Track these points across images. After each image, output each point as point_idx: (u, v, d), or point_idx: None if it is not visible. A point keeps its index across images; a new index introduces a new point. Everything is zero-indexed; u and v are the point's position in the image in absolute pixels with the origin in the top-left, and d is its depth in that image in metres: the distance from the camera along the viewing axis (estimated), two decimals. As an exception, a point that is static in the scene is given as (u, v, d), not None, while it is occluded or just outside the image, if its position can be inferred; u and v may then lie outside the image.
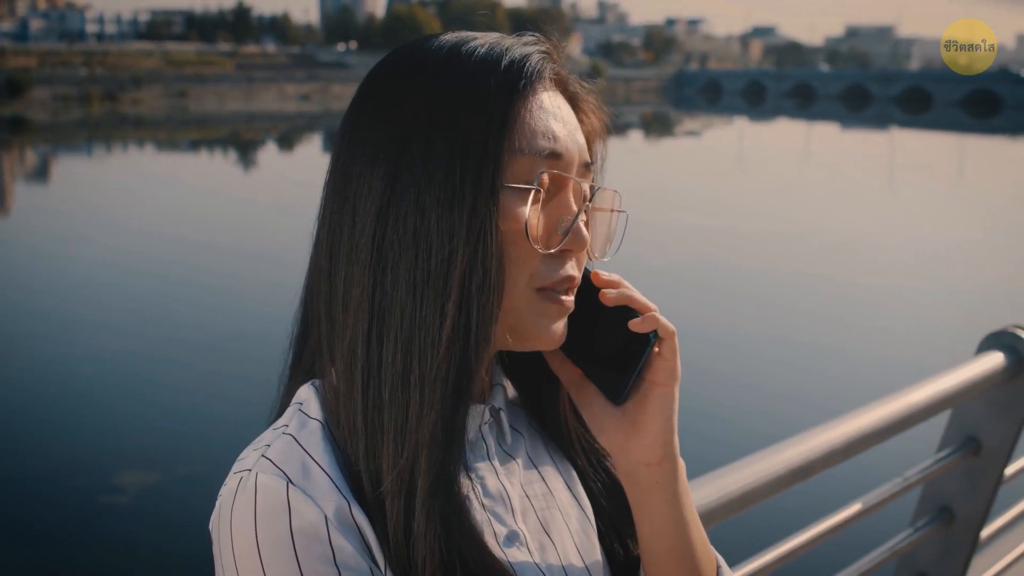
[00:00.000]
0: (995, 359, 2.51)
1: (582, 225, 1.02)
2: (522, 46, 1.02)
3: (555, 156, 1.00)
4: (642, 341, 1.06)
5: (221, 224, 24.50)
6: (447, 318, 0.94)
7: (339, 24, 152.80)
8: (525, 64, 1.00)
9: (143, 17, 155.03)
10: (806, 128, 77.73)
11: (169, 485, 8.81)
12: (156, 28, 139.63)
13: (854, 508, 2.19)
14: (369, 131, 0.99)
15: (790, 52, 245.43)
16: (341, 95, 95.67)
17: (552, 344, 1.04)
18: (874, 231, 23.84)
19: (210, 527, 0.96)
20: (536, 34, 1.05)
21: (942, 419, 2.65)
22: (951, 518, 2.63)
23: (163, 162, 45.80)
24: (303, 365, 1.07)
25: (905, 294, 16.53)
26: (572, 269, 1.03)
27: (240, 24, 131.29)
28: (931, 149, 58.02)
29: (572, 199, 1.02)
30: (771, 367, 11.12)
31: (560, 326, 1.03)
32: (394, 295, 0.95)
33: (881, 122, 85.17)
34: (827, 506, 2.20)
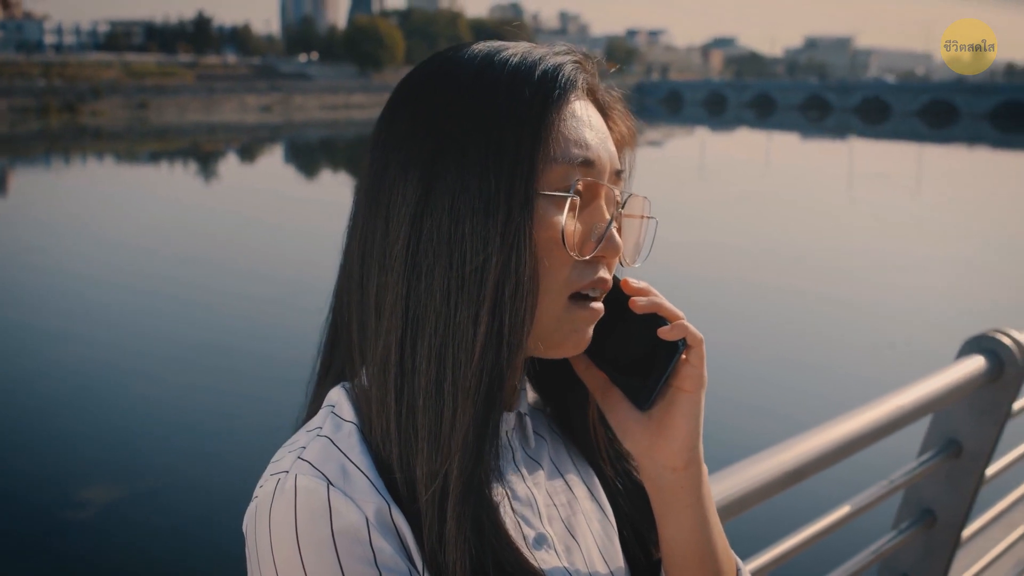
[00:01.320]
0: (976, 363, 2.52)
1: (615, 232, 1.03)
2: (554, 56, 1.03)
3: (588, 164, 1.00)
4: (670, 348, 1.07)
5: (183, 235, 24.33)
6: (481, 325, 0.94)
7: (300, 35, 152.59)
8: (559, 74, 1.01)
9: (102, 28, 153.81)
10: (766, 138, 78.44)
11: (133, 500, 8.72)
12: (115, 39, 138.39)
13: (839, 513, 2.19)
14: (403, 139, 1.00)
15: (750, 63, 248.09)
16: (303, 106, 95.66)
17: (577, 350, 1.05)
18: (835, 241, 24.02)
19: (244, 529, 0.95)
20: (567, 44, 1.07)
21: (921, 423, 2.66)
22: (933, 520, 2.65)
23: (123, 174, 45.48)
24: (333, 371, 1.08)
25: (870, 305, 16.62)
26: (605, 272, 1.04)
27: (200, 35, 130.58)
28: (890, 159, 58.67)
29: (605, 206, 1.03)
30: (735, 380, 11.15)
31: (588, 332, 1.04)
32: (428, 302, 0.96)
33: (840, 132, 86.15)
34: (811, 512, 2.19)
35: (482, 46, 1.04)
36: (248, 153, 58.37)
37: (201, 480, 9.10)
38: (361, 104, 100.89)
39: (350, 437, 0.97)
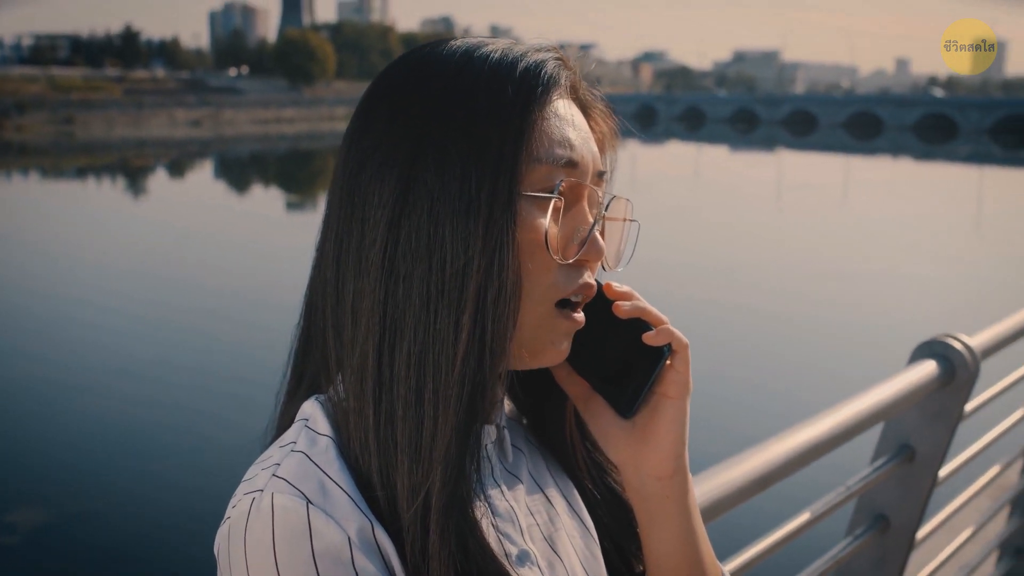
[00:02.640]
0: (928, 367, 2.54)
1: (598, 235, 1.00)
2: (536, 52, 1.00)
3: (572, 165, 0.98)
4: (654, 353, 1.04)
5: (112, 250, 23.96)
6: (463, 331, 0.91)
7: (230, 49, 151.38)
8: (541, 71, 0.98)
9: (27, 42, 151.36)
10: (696, 150, 79.31)
11: (61, 523, 8.52)
12: (40, 53, 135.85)
13: (796, 522, 2.18)
14: (379, 138, 0.96)
15: (680, 76, 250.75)
16: (233, 120, 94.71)
17: (558, 359, 1.02)
18: (766, 254, 24.20)
19: (215, 551, 0.91)
20: (548, 41, 1.04)
21: (873, 430, 2.68)
22: (887, 525, 2.66)
23: (49, 190, 44.64)
24: (305, 381, 1.03)
25: (806, 318, 16.75)
26: (589, 278, 1.02)
27: (128, 49, 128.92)
28: (817, 170, 59.58)
29: (588, 208, 1.01)
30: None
31: (568, 344, 1.02)
32: (407, 308, 0.92)
33: (768, 144, 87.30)
34: (764, 525, 2.18)
35: (460, 42, 1.01)
36: (178, 168, 57.66)
37: (141, 501, 8.93)
38: (292, 118, 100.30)
39: (327, 452, 0.92)
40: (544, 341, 0.99)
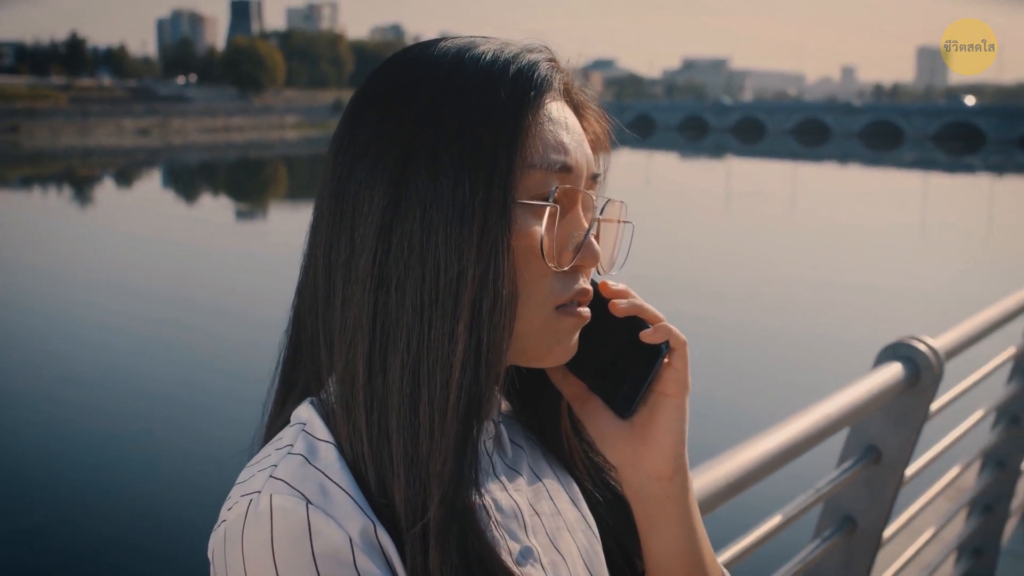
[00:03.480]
0: (894, 369, 2.55)
1: (593, 240, 0.99)
2: (528, 54, 0.98)
3: (566, 170, 0.96)
4: (651, 352, 1.03)
5: (60, 259, 23.67)
6: (458, 341, 0.89)
7: (178, 57, 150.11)
8: (534, 73, 0.96)
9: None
10: (647, 158, 79.70)
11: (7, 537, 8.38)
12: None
13: (767, 526, 2.17)
14: (368, 142, 0.94)
15: (630, 84, 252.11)
16: (181, 129, 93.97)
17: (566, 357, 1.01)
18: (717, 262, 24.27)
19: (210, 555, 0.89)
20: (539, 41, 1.02)
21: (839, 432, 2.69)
22: (854, 526, 2.67)
23: (-6, 199, 44.02)
24: (296, 391, 1.01)
25: (759, 328, 16.75)
26: (584, 283, 1.00)
27: (74, 57, 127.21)
28: (766, 177, 60.14)
29: (582, 213, 1.00)
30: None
31: (573, 341, 1.01)
32: (399, 317, 0.90)
33: (718, 151, 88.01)
34: (733, 532, 2.18)
35: (451, 43, 0.99)
36: (125, 178, 57.06)
37: (91, 514, 8.82)
38: (241, 127, 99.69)
39: (327, 455, 0.90)
40: (549, 343, 0.98)
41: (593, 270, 1.03)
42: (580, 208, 0.99)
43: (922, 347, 2.63)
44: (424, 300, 0.89)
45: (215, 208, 41.76)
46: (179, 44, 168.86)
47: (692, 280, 21.23)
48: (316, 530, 0.84)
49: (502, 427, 1.07)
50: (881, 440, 2.66)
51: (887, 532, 2.77)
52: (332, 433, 0.93)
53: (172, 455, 10.11)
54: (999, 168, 70.05)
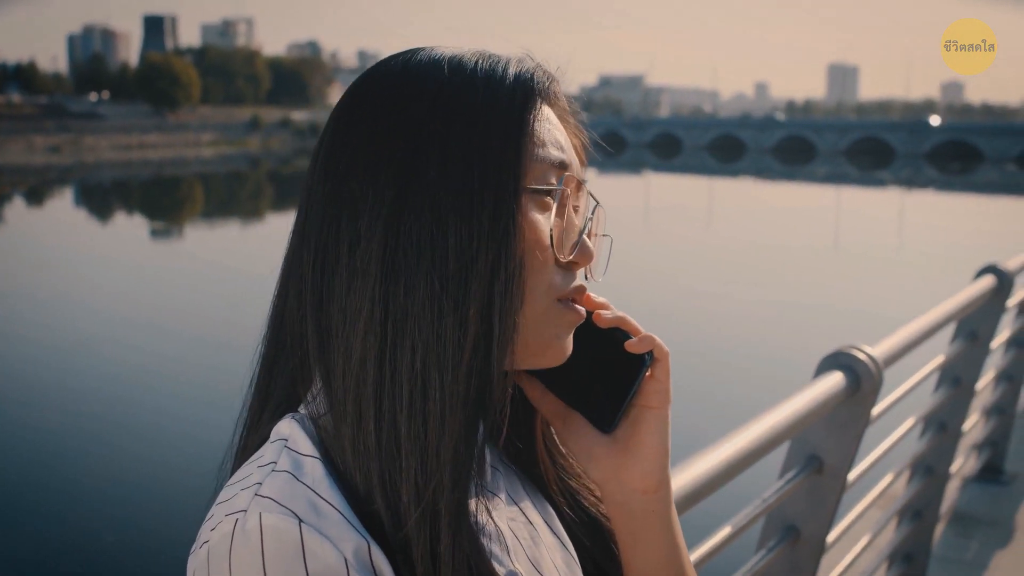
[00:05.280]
0: (835, 379, 2.58)
1: (587, 239, 1.00)
2: (519, 61, 1.00)
3: (564, 167, 0.98)
4: (633, 364, 1.02)
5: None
6: (470, 326, 0.89)
7: (90, 73, 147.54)
8: (532, 76, 0.99)
9: None
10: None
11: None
12: None
13: (711, 542, 2.15)
14: (369, 137, 0.93)
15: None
16: (94, 146, 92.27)
17: (561, 357, 0.99)
18: (635, 279, 24.39)
19: None
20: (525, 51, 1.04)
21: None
22: (797, 535, 2.68)
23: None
24: (272, 402, 0.98)
25: (688, 346, 16.84)
26: (581, 279, 1.01)
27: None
28: (682, 192, 60.91)
29: (577, 212, 1.01)
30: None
31: (570, 340, 1.00)
32: (408, 306, 0.89)
33: (635, 167, 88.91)
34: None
35: (436, 51, 0.99)
36: (36, 196, 55.87)
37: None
38: (156, 144, 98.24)
39: (315, 470, 0.87)
40: (549, 336, 0.97)
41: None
42: (571, 207, 1.00)
43: (861, 356, 2.66)
44: (435, 287, 0.89)
45: (129, 226, 41.08)
46: (91, 60, 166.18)
47: (613, 298, 21.24)
48: (310, 550, 0.80)
49: (485, 448, 1.04)
50: (823, 449, 2.68)
51: (829, 538, 2.79)
52: (317, 447, 0.90)
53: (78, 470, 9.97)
54: (908, 182, 71.90)
